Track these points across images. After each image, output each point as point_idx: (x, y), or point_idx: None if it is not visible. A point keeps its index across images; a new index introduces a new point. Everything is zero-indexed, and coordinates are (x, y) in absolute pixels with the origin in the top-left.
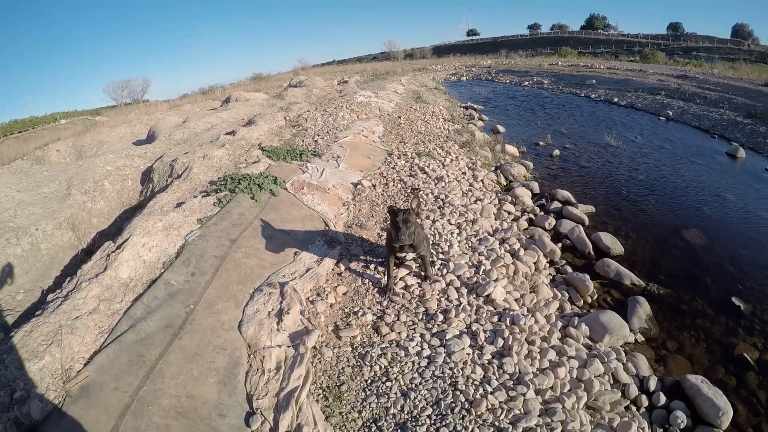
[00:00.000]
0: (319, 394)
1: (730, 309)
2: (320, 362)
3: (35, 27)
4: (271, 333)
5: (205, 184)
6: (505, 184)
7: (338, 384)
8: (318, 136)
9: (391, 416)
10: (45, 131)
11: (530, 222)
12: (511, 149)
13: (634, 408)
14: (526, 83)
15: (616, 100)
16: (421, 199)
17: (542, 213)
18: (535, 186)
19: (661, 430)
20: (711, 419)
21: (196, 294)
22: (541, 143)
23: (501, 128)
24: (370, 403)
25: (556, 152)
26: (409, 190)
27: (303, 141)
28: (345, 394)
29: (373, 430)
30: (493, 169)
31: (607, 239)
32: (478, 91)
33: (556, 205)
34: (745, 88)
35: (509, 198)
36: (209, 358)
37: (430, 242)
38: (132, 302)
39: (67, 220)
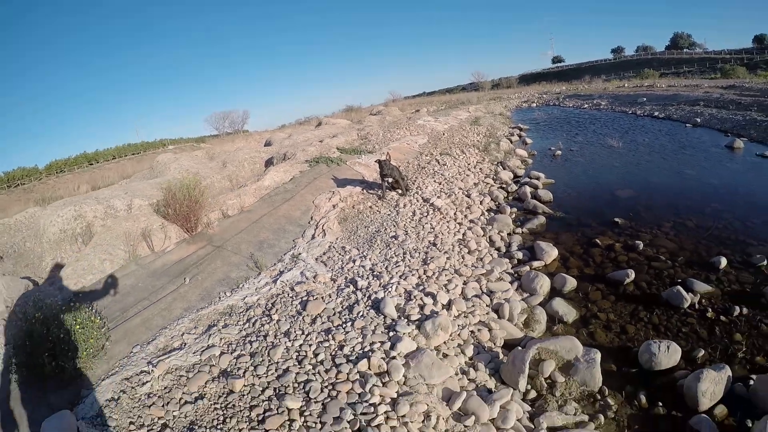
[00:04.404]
0: (338, 218)
1: (610, 224)
2: (343, 212)
3: (141, 62)
4: (325, 202)
5: (303, 161)
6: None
7: (346, 218)
8: (376, 144)
9: (364, 227)
10: (155, 154)
11: (502, 189)
12: (521, 152)
13: (494, 250)
14: (586, 106)
15: (656, 114)
16: (389, 157)
17: (513, 183)
18: (521, 171)
19: (506, 259)
20: (539, 257)
21: (297, 192)
22: (552, 148)
23: (529, 140)
24: (357, 224)
25: (558, 152)
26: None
27: (366, 147)
28: (349, 220)
29: (354, 231)
30: (497, 163)
31: (542, 192)
32: (538, 115)
33: (526, 180)
34: None
35: (492, 176)
36: (299, 206)
37: (407, 179)
38: (269, 191)
39: (227, 176)
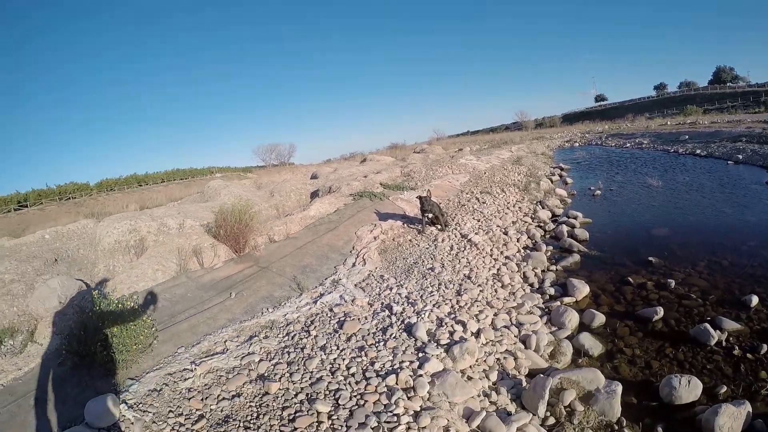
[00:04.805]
0: (378, 249)
1: (644, 262)
2: (383, 243)
3: (193, 91)
4: (367, 234)
5: (347, 194)
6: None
7: (386, 249)
8: (419, 181)
9: (403, 259)
10: (203, 180)
11: (540, 227)
12: (561, 191)
13: (527, 285)
14: (628, 145)
15: (698, 152)
16: (430, 194)
17: (550, 222)
18: (559, 210)
19: (538, 294)
20: (571, 293)
21: (340, 223)
22: (592, 188)
23: (570, 180)
24: (396, 255)
25: (598, 192)
26: (430, 196)
27: (408, 183)
28: (389, 251)
29: (393, 261)
30: (536, 202)
31: (579, 231)
32: (580, 155)
33: (564, 219)
34: None
35: (531, 215)
36: (342, 236)
37: (447, 215)
38: (314, 221)
39: (274, 205)
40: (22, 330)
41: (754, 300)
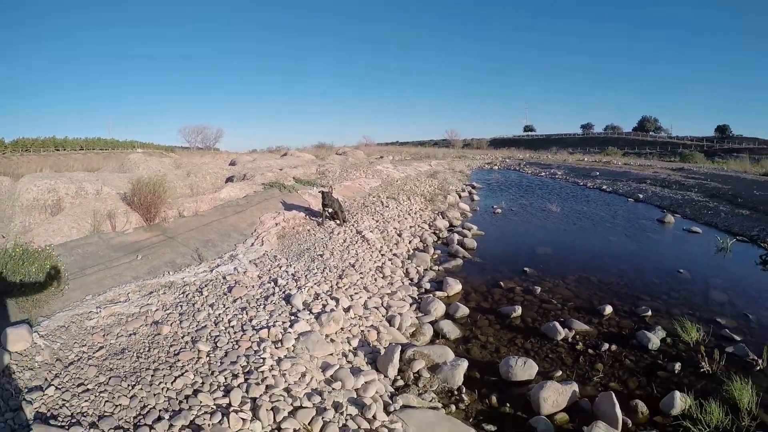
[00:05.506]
0: (278, 234)
1: (519, 272)
2: (283, 230)
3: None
4: (270, 220)
5: (259, 183)
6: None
7: (285, 235)
8: (332, 180)
9: (298, 244)
10: (123, 153)
11: (434, 234)
12: (464, 206)
13: (407, 279)
14: (543, 174)
15: (604, 187)
16: (332, 190)
17: (446, 231)
18: (457, 222)
19: (415, 287)
20: (444, 289)
21: (247, 207)
22: (494, 206)
23: (477, 198)
24: (292, 241)
25: (499, 210)
26: (332, 191)
27: (321, 181)
28: (287, 237)
29: (289, 246)
30: (438, 213)
31: (468, 241)
32: (495, 177)
33: (459, 229)
34: (732, 177)
35: (429, 222)
36: (246, 219)
37: (346, 212)
38: (223, 203)
39: (189, 185)
40: None
41: (608, 309)
